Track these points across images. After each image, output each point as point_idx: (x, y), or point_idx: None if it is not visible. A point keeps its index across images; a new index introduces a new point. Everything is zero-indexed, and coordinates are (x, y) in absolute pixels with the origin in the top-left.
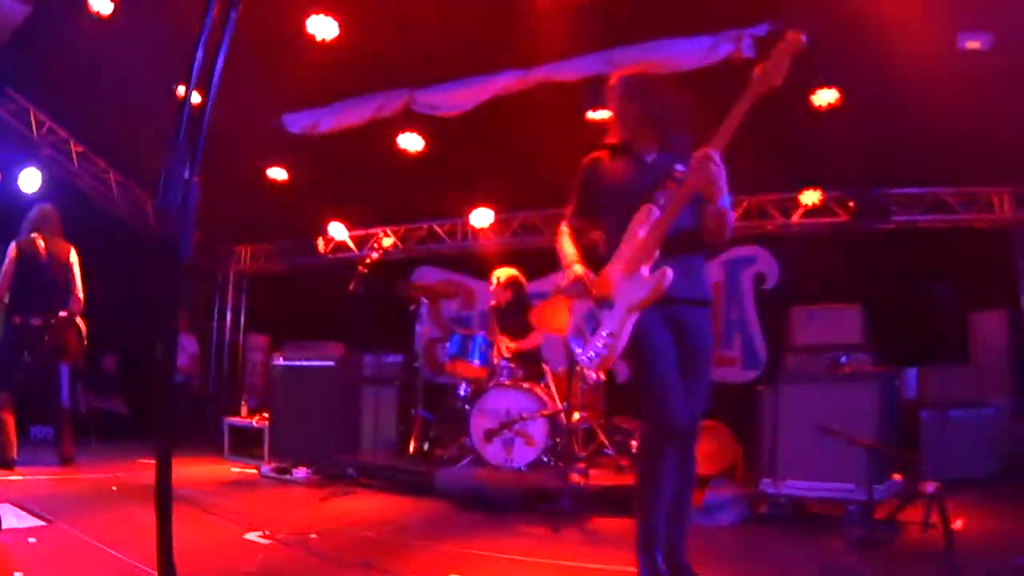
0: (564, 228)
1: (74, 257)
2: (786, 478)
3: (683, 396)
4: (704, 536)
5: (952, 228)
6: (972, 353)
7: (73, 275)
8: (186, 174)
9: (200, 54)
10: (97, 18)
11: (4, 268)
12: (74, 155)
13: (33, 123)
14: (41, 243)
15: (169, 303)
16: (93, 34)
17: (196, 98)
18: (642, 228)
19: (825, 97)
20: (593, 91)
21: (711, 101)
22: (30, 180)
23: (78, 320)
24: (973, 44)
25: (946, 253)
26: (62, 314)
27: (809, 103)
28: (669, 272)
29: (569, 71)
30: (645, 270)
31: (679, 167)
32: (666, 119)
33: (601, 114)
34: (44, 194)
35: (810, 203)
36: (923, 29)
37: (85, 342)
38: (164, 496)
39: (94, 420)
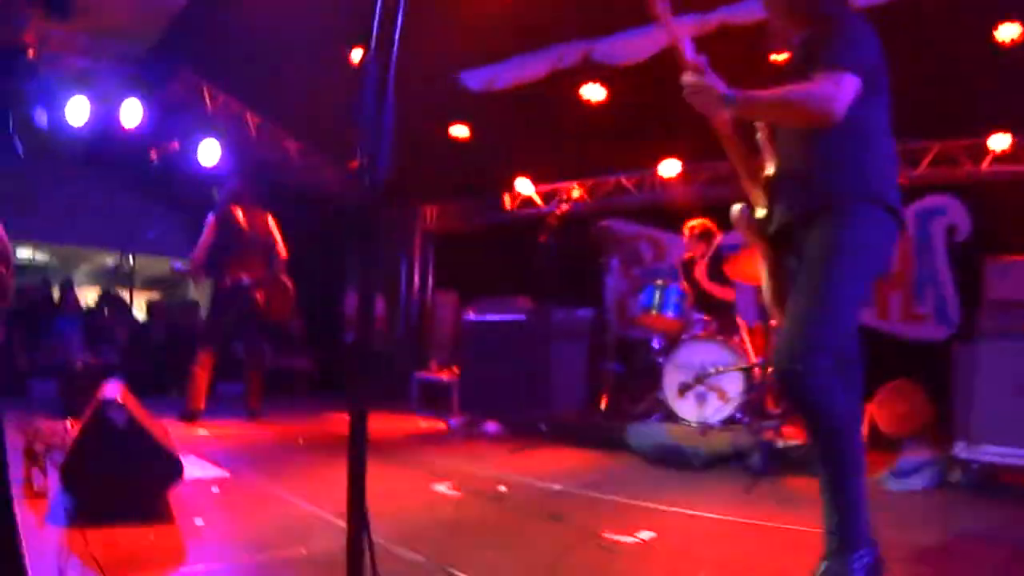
0: None
1: (272, 223)
2: (981, 442)
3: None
4: (893, 500)
5: None
6: None
7: (274, 238)
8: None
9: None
10: None
11: (203, 236)
12: (252, 125)
13: (207, 97)
14: (239, 213)
15: (370, 225)
16: (260, 4)
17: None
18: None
19: (1008, 32)
20: (775, 33)
21: (886, 43)
22: (209, 152)
23: (284, 278)
24: None
25: None
26: (269, 273)
27: (992, 39)
28: (735, 209)
29: (748, 13)
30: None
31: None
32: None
33: (783, 56)
34: (223, 165)
35: (999, 149)
36: None
37: (293, 300)
38: (358, 444)
39: (281, 378)
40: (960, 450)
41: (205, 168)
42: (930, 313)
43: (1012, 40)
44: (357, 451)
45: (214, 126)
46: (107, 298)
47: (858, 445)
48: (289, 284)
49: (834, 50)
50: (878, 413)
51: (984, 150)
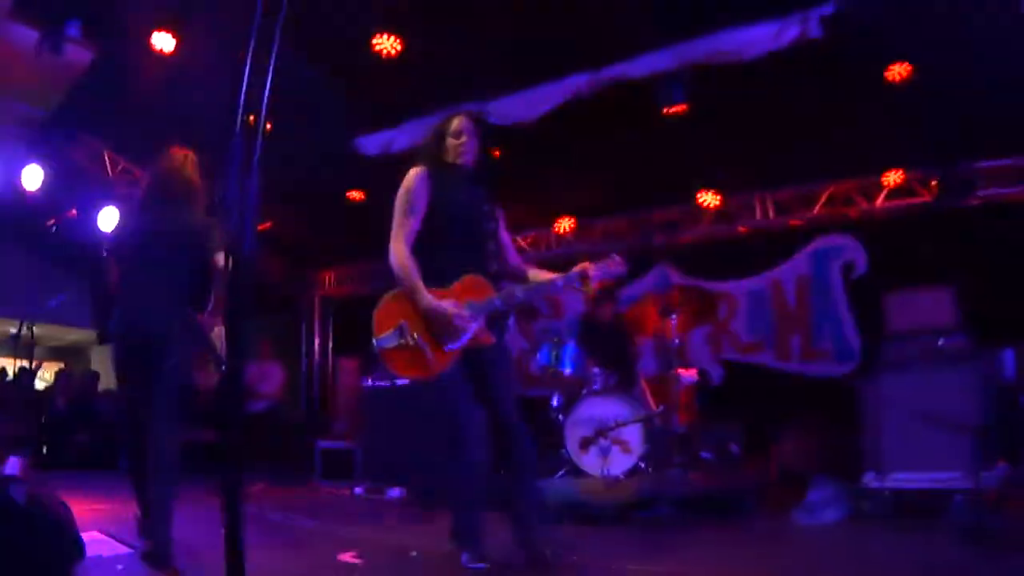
0: None
1: None
2: (889, 470)
3: None
4: (808, 536)
5: None
6: None
7: None
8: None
9: (247, 70)
10: (161, 56)
11: None
12: None
13: (108, 163)
14: None
15: (240, 303)
16: (159, 72)
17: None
18: None
19: (899, 72)
20: (665, 87)
21: (781, 89)
22: (109, 219)
23: None
24: None
25: None
26: None
27: (883, 79)
28: None
29: (639, 68)
30: None
31: None
32: None
33: (676, 109)
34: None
35: (893, 184)
36: None
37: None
38: (234, 516)
39: (187, 450)
40: (869, 480)
41: (105, 235)
42: (830, 350)
43: (901, 77)
44: (233, 521)
45: (114, 192)
46: (3, 370)
47: None
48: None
49: None
50: (784, 450)
51: (878, 187)
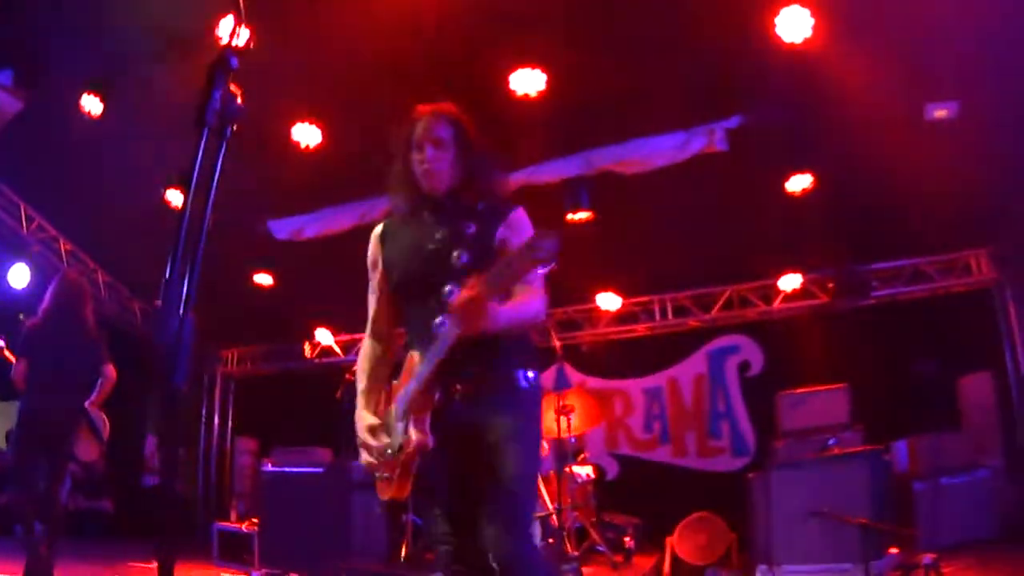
0: None
1: None
2: (782, 563)
3: None
4: None
5: (933, 296)
6: (964, 417)
7: None
8: (181, 305)
9: (195, 174)
10: (88, 118)
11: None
12: (63, 253)
13: (23, 219)
14: None
15: (168, 430)
16: (85, 133)
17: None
18: None
19: (799, 183)
20: (572, 193)
21: (687, 196)
22: (19, 276)
23: None
24: (940, 113)
25: (930, 321)
26: None
27: (783, 190)
28: None
29: (547, 174)
30: None
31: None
32: None
33: (581, 215)
34: (33, 290)
35: (790, 288)
36: (891, 105)
37: None
38: None
39: (81, 519)
40: (762, 572)
41: (14, 291)
42: (726, 446)
43: (803, 189)
44: None
45: (27, 249)
46: None
47: None
48: None
49: None
50: (680, 545)
51: (776, 290)
